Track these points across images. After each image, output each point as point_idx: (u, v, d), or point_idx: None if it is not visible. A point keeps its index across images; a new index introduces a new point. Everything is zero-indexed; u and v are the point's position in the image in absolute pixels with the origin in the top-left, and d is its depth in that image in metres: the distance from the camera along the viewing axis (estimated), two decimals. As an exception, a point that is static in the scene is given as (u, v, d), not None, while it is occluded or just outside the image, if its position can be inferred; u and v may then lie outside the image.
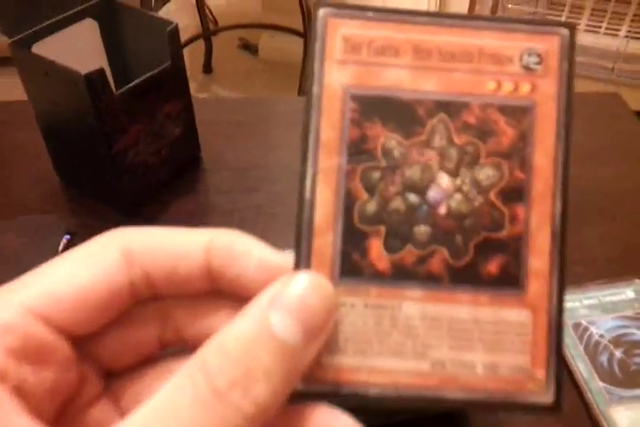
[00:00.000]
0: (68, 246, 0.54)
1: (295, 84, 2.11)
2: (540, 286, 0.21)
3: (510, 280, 0.21)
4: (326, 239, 0.21)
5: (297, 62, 2.08)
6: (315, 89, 0.21)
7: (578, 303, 0.50)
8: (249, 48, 2.48)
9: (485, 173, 0.21)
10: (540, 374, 0.20)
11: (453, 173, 0.21)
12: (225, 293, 0.21)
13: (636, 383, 0.45)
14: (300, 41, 1.99)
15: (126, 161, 0.57)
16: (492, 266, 0.21)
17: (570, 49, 0.22)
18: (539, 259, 0.21)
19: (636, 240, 0.59)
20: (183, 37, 2.25)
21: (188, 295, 0.21)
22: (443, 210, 0.21)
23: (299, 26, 1.97)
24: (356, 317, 0.20)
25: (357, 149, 0.21)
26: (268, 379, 0.18)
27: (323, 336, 0.19)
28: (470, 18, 0.21)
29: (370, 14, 0.21)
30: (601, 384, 0.45)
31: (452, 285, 0.21)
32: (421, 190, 0.21)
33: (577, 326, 0.49)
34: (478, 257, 0.21)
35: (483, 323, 0.21)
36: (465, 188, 0.21)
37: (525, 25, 0.21)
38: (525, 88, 0.21)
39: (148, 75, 0.55)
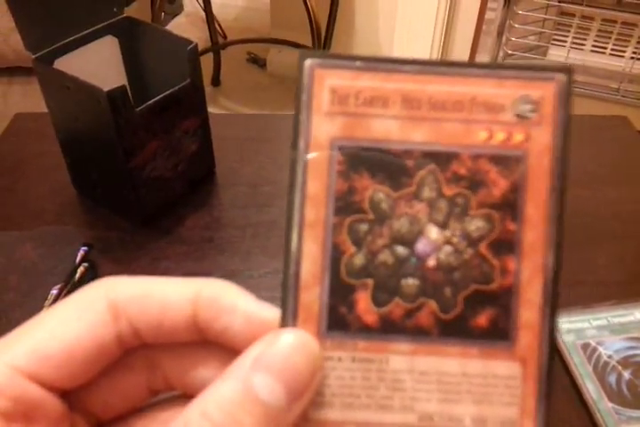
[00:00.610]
0: (84, 258, 0.55)
1: (302, 98, 2.12)
2: (530, 338, 0.20)
3: (500, 333, 0.20)
4: (313, 293, 0.20)
5: (305, 77, 2.09)
6: (301, 142, 0.21)
7: (587, 324, 0.51)
8: (257, 62, 2.51)
9: (475, 225, 0.21)
10: (529, 426, 0.20)
11: (443, 225, 0.21)
12: (213, 343, 0.21)
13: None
14: (309, 56, 2.01)
15: (143, 175, 0.58)
16: (482, 319, 0.20)
17: (567, 95, 0.21)
18: (529, 311, 0.20)
19: (643, 262, 0.60)
20: (192, 51, 2.27)
21: (177, 344, 0.21)
22: (432, 262, 0.21)
23: (307, 41, 1.99)
24: (343, 371, 0.20)
25: (345, 202, 0.21)
26: None
27: (308, 396, 0.19)
28: (462, 65, 0.21)
29: (357, 64, 0.21)
30: (610, 405, 0.46)
31: (440, 338, 0.20)
32: (410, 243, 0.21)
33: (586, 346, 0.50)
34: (468, 310, 0.20)
35: (472, 376, 0.20)
36: (455, 240, 0.21)
37: (520, 71, 0.21)
38: (519, 137, 0.21)
39: (167, 92, 0.56)
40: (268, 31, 2.40)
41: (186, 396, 0.20)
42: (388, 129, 0.21)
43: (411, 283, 0.21)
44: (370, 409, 0.20)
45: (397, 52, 2.16)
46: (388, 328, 0.20)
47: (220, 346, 0.21)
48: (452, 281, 0.20)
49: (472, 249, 0.20)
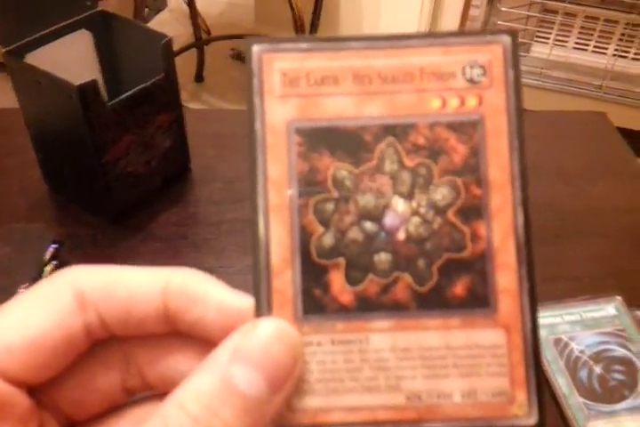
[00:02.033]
0: (54, 256, 0.54)
1: (286, 94, 2.11)
2: (510, 304, 0.20)
3: (479, 301, 0.20)
4: (285, 278, 0.20)
5: (289, 73, 2.09)
6: (257, 126, 0.21)
7: (559, 319, 0.51)
8: (241, 58, 2.50)
9: (441, 193, 0.20)
10: (521, 396, 0.20)
11: (408, 197, 0.20)
12: (186, 334, 0.20)
13: (615, 398, 0.46)
14: (293, 52, 2.01)
15: (116, 171, 0.57)
16: (459, 288, 0.20)
17: (514, 56, 0.21)
18: (506, 276, 0.20)
19: (621, 258, 0.60)
20: (175, 47, 2.25)
21: (149, 336, 0.21)
22: (401, 235, 0.20)
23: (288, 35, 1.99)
24: (324, 355, 0.20)
25: (307, 183, 0.20)
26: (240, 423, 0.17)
27: (290, 385, 0.18)
28: (407, 37, 0.21)
29: (304, 46, 0.21)
30: (580, 400, 0.46)
31: (419, 311, 0.20)
32: (377, 217, 0.20)
33: (558, 341, 0.50)
34: (443, 280, 0.20)
35: (456, 348, 0.20)
36: (422, 210, 0.20)
37: (465, 37, 0.21)
38: (472, 102, 0.21)
39: (140, 87, 0.55)
40: (253, 27, 2.39)
41: (163, 394, 0.19)
42: (342, 107, 0.21)
43: (383, 258, 0.20)
44: (355, 392, 0.20)
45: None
46: (365, 306, 0.20)
47: (193, 337, 0.20)
48: (424, 252, 0.20)
49: (440, 218, 0.20)
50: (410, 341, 0.20)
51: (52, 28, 0.58)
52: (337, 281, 0.20)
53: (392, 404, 0.20)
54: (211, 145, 0.71)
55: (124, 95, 0.54)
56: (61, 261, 0.54)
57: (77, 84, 0.50)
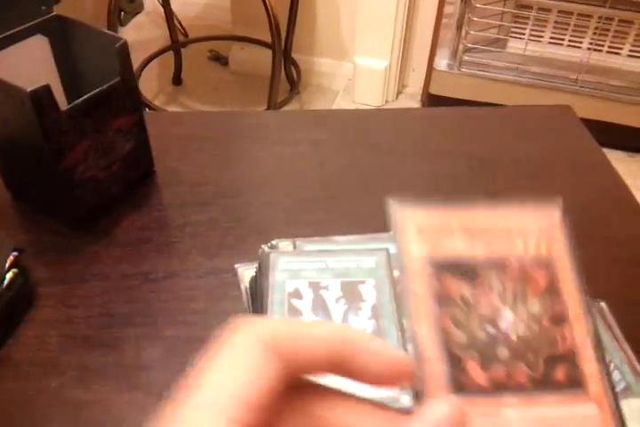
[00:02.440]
0: (14, 263, 0.54)
1: (265, 96, 2.11)
2: (596, 385, 0.28)
3: (575, 383, 0.27)
4: (436, 366, 0.27)
5: (266, 73, 2.08)
6: (404, 260, 0.30)
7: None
8: (219, 60, 2.49)
9: (535, 307, 0.29)
10: None
11: (513, 309, 0.29)
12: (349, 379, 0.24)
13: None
14: (269, 52, 2.00)
15: (75, 177, 0.57)
16: (559, 374, 0.28)
17: (564, 218, 0.31)
18: (589, 364, 0.28)
19: (585, 252, 0.61)
20: (152, 49, 2.24)
21: (328, 393, 0.24)
22: (513, 336, 0.28)
23: (268, 37, 1.98)
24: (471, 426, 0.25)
25: (441, 298, 0.29)
26: None
27: None
28: (498, 205, 0.31)
29: (431, 204, 0.31)
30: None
31: (536, 391, 0.27)
32: (494, 322, 0.28)
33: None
34: (548, 368, 0.27)
35: (566, 418, 0.27)
36: (524, 319, 0.29)
37: (535, 206, 0.32)
38: (543, 248, 0.30)
39: (96, 91, 0.55)
40: (230, 28, 2.38)
41: None
42: (459, 248, 0.30)
43: (503, 352, 0.28)
44: None
45: (359, 48, 2.16)
46: (497, 387, 0.27)
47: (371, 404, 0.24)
48: (531, 349, 0.28)
49: (537, 324, 0.28)
50: (532, 413, 0.27)
51: (7, 33, 0.57)
52: (473, 368, 0.27)
53: None
54: (175, 148, 0.71)
55: (79, 100, 0.54)
56: (21, 268, 0.54)
57: (29, 89, 0.49)
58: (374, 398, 0.27)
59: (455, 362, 0.27)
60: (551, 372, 0.28)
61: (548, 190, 0.67)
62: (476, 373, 0.27)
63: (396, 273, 0.46)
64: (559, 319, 0.29)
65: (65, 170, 0.55)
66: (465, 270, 0.30)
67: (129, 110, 0.59)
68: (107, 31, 0.59)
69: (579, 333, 0.29)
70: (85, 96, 0.54)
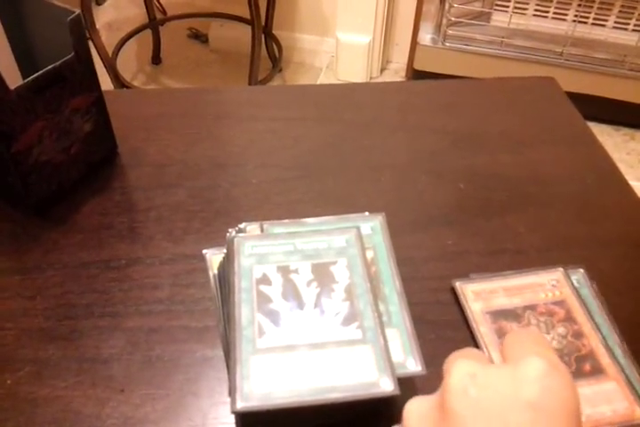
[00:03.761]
0: (-32, 253, 0.51)
1: (246, 72, 2.06)
2: (612, 370, 0.46)
3: (597, 371, 0.46)
4: None
5: (247, 51, 2.03)
6: (469, 314, 0.49)
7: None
8: (199, 38, 2.43)
9: (561, 330, 0.48)
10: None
11: (548, 333, 0.48)
12: None
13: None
14: (250, 29, 1.95)
15: (30, 160, 0.53)
16: (586, 367, 0.46)
17: (567, 276, 0.52)
18: (604, 359, 0.47)
19: (567, 229, 0.58)
20: (130, 27, 2.18)
21: None
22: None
23: (248, 14, 1.93)
24: None
25: (501, 334, 0.47)
26: None
27: None
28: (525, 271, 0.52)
29: (477, 278, 0.52)
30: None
31: (576, 379, 0.41)
32: None
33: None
34: (578, 365, 0.46)
35: (596, 393, 0.45)
36: (556, 338, 0.48)
37: (546, 269, 0.52)
38: (558, 294, 0.50)
39: (47, 68, 0.51)
40: (209, 5, 2.32)
41: None
42: (503, 302, 0.49)
43: None
44: None
45: (341, 23, 2.11)
46: None
47: None
48: (565, 354, 0.47)
49: (565, 340, 0.47)
50: (580, 392, 0.37)
51: (-50, 7, 0.53)
52: None
53: None
54: (141, 127, 0.67)
55: (29, 78, 0.50)
56: (-25, 258, 0.51)
57: (-29, 67, 0.46)
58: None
59: None
60: (581, 366, 0.46)
61: (531, 164, 0.65)
62: None
63: (369, 254, 0.43)
64: (578, 335, 0.48)
65: (18, 154, 0.52)
66: (511, 315, 0.49)
67: (86, 88, 0.56)
68: (58, 4, 0.55)
69: (593, 340, 0.47)
70: (36, 74, 0.51)
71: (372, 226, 0.46)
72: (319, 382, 0.35)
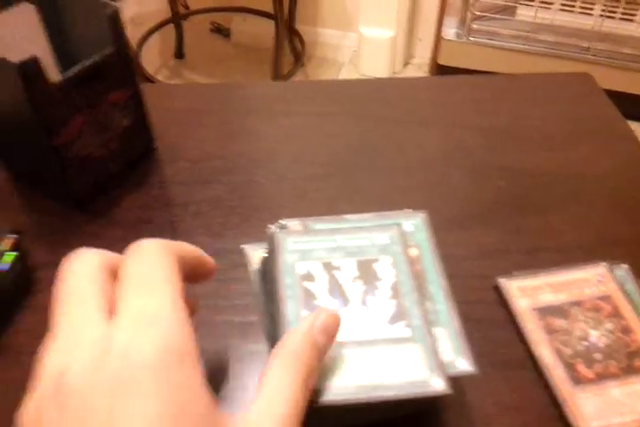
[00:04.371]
0: (14, 246, 0.51)
1: (269, 68, 2.06)
2: None
3: None
4: (555, 370, 0.47)
5: (270, 45, 2.03)
6: (515, 310, 0.49)
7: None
8: (221, 32, 2.43)
9: (609, 326, 0.48)
10: None
11: (595, 329, 0.48)
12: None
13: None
14: (272, 24, 1.95)
15: (70, 154, 0.54)
16: (637, 363, 0.46)
17: (611, 272, 0.51)
18: None
19: (607, 226, 0.58)
20: (153, 22, 2.19)
21: None
22: (601, 345, 0.47)
23: (270, 8, 1.92)
24: None
25: (548, 330, 0.48)
26: (316, 372, 0.32)
27: (333, 342, 0.34)
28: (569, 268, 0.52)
29: (525, 275, 0.53)
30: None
31: (624, 375, 0.45)
32: (587, 339, 0.47)
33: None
34: (629, 361, 0.46)
35: None
36: (604, 334, 0.47)
37: (591, 265, 0.52)
38: (603, 289, 0.50)
39: (88, 62, 0.51)
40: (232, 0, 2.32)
41: None
42: (549, 298, 0.50)
43: (598, 356, 0.46)
44: None
45: (363, 17, 2.10)
46: (600, 377, 0.45)
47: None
48: (615, 350, 0.47)
49: (613, 336, 0.47)
50: (628, 389, 0.44)
51: (-8, 2, 0.54)
52: (582, 368, 0.45)
53: None
54: (176, 122, 0.67)
55: (69, 72, 0.50)
56: (20, 251, 0.51)
57: (16, 61, 0.46)
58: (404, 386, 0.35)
59: (569, 367, 0.46)
60: (631, 362, 0.46)
61: (570, 161, 0.64)
62: (585, 371, 0.45)
63: (413, 251, 0.43)
64: (626, 330, 0.48)
65: (59, 148, 0.52)
66: (558, 311, 0.49)
67: (125, 83, 0.56)
68: (99, -2, 0.55)
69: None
70: (76, 68, 0.51)
71: (414, 223, 0.45)
72: (369, 380, 0.35)
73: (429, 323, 0.38)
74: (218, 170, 0.62)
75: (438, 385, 0.35)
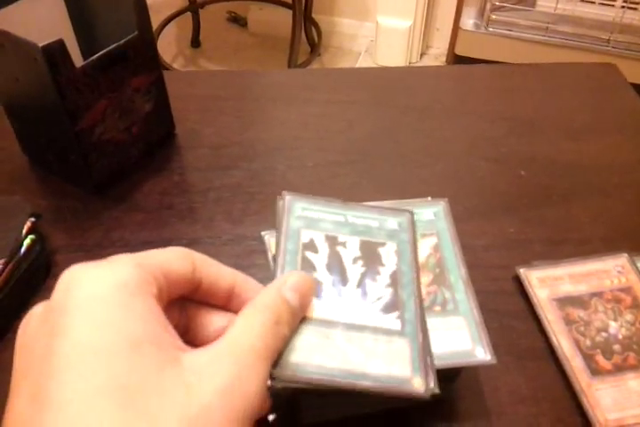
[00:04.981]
0: (32, 229, 0.51)
1: (285, 57, 2.05)
2: None
3: None
4: (573, 361, 0.47)
5: (286, 35, 2.02)
6: (534, 300, 0.49)
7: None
8: (238, 21, 2.42)
9: (629, 317, 0.48)
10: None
11: (615, 320, 0.48)
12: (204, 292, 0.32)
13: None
14: (289, 13, 1.94)
15: (93, 139, 0.54)
16: None
17: (631, 261, 0.51)
18: None
19: (630, 217, 0.57)
20: (170, 11, 2.18)
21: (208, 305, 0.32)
22: (620, 336, 0.47)
23: (287, -3, 1.91)
24: None
25: (568, 320, 0.48)
26: (287, 325, 0.31)
27: (308, 305, 0.33)
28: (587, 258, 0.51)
29: (545, 265, 0.52)
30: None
31: None
32: (606, 330, 0.47)
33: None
34: None
35: None
36: (623, 325, 0.47)
37: (609, 256, 0.52)
38: (623, 280, 0.50)
39: (112, 46, 0.51)
40: (248, -12, 2.31)
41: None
42: (569, 289, 0.50)
43: (616, 347, 0.46)
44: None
45: (381, 7, 2.09)
46: (618, 369, 0.45)
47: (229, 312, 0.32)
48: (633, 342, 0.46)
49: (633, 327, 0.47)
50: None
51: (17, -15, 0.54)
52: (600, 360, 0.45)
53: None
54: (196, 109, 0.67)
55: (95, 56, 0.50)
56: (39, 235, 0.51)
57: (42, 44, 0.46)
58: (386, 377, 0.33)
59: (588, 358, 0.46)
60: None
61: (593, 152, 0.63)
62: (603, 362, 0.46)
63: (432, 240, 0.43)
64: None
65: (81, 131, 0.52)
66: (578, 301, 0.49)
67: (147, 68, 0.56)
68: (123, -18, 0.55)
69: None
70: (101, 52, 0.51)
71: (434, 211, 0.45)
72: (352, 366, 0.33)
73: (424, 320, 0.36)
74: (238, 156, 0.62)
75: (418, 386, 0.33)
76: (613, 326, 0.47)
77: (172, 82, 0.64)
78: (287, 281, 0.32)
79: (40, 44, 0.46)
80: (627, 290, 0.49)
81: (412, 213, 0.41)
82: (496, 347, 0.37)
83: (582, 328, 0.46)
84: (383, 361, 0.33)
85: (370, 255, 0.38)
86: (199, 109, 0.67)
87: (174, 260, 0.29)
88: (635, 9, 1.82)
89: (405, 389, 0.32)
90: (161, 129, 0.62)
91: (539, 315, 0.48)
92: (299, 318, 0.32)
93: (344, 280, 0.36)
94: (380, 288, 0.37)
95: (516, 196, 0.58)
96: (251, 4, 2.34)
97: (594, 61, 0.75)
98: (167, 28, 2.15)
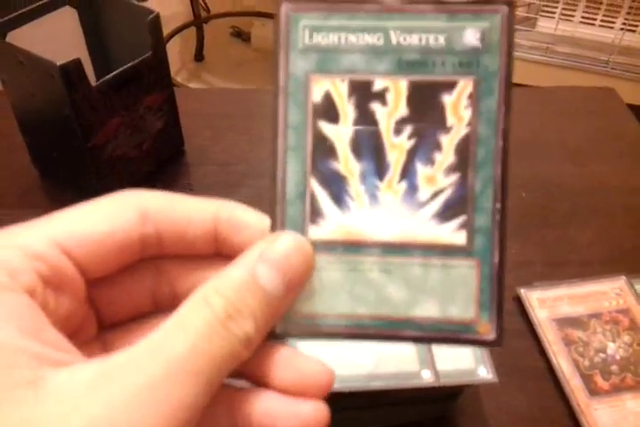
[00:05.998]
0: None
1: (287, 73, 2.08)
2: None
3: None
4: (572, 381, 0.45)
5: (289, 51, 2.04)
6: (535, 320, 0.51)
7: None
8: (241, 36, 2.45)
9: (627, 339, 0.49)
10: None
11: (613, 342, 0.49)
12: (226, 257, 0.23)
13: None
14: (293, 30, 1.96)
15: (105, 155, 0.55)
16: None
17: (630, 285, 0.52)
18: None
19: (629, 240, 0.58)
20: (174, 25, 2.21)
21: (185, 256, 0.24)
22: (618, 357, 0.48)
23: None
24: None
25: (567, 341, 0.49)
26: (254, 319, 0.20)
27: (300, 289, 0.22)
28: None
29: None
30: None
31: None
32: (604, 351, 0.48)
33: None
34: None
35: None
36: (622, 346, 0.48)
37: (611, 277, 0.53)
38: (621, 302, 0.52)
39: (127, 66, 0.53)
40: (253, 4, 2.34)
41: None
42: (568, 310, 0.51)
43: (614, 368, 0.48)
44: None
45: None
46: (616, 389, 0.46)
47: (224, 260, 0.22)
48: (631, 363, 0.48)
49: (631, 348, 0.48)
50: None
51: (35, 4, 0.55)
52: (598, 380, 0.47)
53: None
54: (205, 126, 0.69)
55: (110, 75, 0.52)
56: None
57: (59, 63, 0.47)
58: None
59: (586, 378, 0.47)
60: None
61: (594, 175, 0.65)
62: (601, 382, 0.47)
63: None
64: None
65: (94, 148, 0.54)
66: (577, 322, 0.49)
67: (160, 87, 0.57)
68: (137, 3, 0.57)
69: None
70: (117, 71, 0.52)
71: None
72: (391, 309, 0.22)
73: (505, 223, 0.22)
74: (246, 174, 0.63)
75: (484, 331, 0.23)
76: (611, 347, 0.48)
77: (183, 99, 0.65)
78: (266, 252, 0.21)
79: (58, 63, 0.48)
80: (624, 312, 0.50)
81: (511, 6, 0.23)
82: (497, 366, 0.38)
83: (581, 349, 0.47)
84: (436, 299, 0.22)
85: (425, 111, 0.22)
86: (208, 126, 0.69)
87: (101, 219, 0.22)
88: (634, 31, 1.85)
89: (465, 336, 0.22)
90: (171, 146, 0.63)
91: (539, 335, 0.49)
92: (281, 307, 0.21)
93: (381, 168, 0.22)
94: (437, 176, 0.22)
95: (517, 217, 0.60)
96: (254, 20, 2.37)
97: (592, 82, 0.76)
98: (171, 41, 2.17)
